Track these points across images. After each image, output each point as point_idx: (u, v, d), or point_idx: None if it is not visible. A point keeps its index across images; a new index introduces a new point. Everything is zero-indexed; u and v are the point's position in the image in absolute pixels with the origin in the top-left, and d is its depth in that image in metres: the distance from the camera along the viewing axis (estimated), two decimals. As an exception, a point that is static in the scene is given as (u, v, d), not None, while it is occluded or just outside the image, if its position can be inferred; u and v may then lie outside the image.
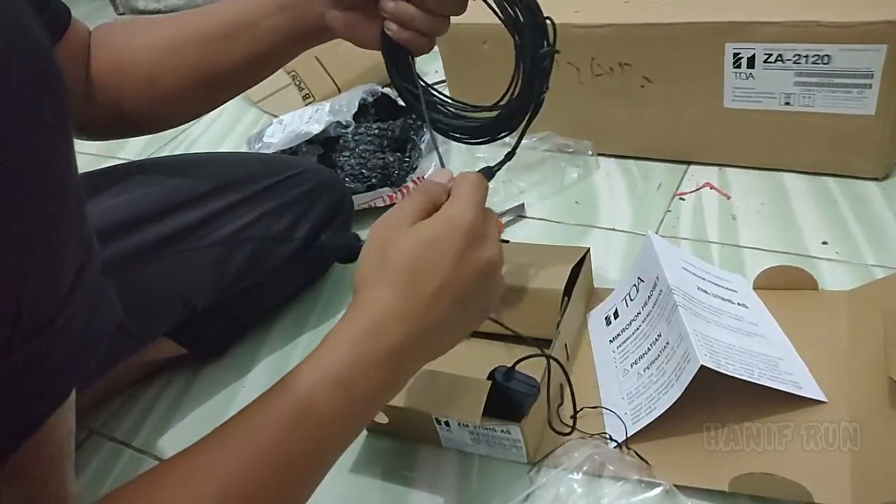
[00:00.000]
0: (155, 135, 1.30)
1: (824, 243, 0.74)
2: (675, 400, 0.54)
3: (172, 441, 0.70)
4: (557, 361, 0.59)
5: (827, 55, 0.73)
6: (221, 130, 1.27)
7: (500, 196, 0.91)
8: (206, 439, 0.40)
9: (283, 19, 0.59)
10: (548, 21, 0.51)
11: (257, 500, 0.39)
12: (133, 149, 1.29)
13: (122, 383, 0.75)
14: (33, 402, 0.35)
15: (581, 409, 0.60)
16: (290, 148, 0.93)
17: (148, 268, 0.64)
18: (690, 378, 0.52)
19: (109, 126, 0.66)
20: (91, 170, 0.74)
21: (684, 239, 0.79)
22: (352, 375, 0.42)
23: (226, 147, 1.21)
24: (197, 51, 0.61)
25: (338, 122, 0.94)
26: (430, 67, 1.16)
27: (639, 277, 0.65)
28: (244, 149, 1.04)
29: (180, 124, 0.71)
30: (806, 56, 0.74)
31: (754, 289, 0.66)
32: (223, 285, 0.70)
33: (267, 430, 0.40)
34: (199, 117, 0.73)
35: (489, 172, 0.55)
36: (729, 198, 0.83)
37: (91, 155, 1.29)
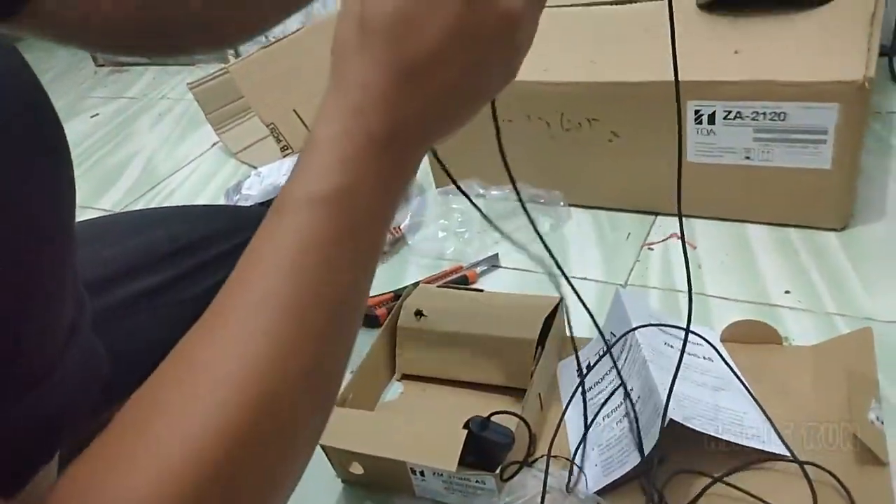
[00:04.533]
0: (132, 185, 1.33)
1: (787, 292, 0.76)
2: (646, 454, 0.55)
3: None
4: (526, 422, 0.60)
5: (783, 112, 0.77)
6: (199, 182, 1.29)
7: (474, 246, 0.92)
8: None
9: None
10: None
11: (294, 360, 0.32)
12: (111, 198, 1.30)
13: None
14: (21, 461, 0.34)
15: (542, 456, 0.60)
16: (269, 200, 0.94)
17: (131, 322, 0.63)
18: (659, 432, 0.53)
19: (149, 46, 0.61)
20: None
21: (653, 288, 0.81)
22: (344, 185, 0.34)
23: (203, 198, 1.22)
24: None
25: (315, 174, 0.95)
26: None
27: (611, 332, 0.67)
28: (222, 200, 1.06)
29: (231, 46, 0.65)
30: (763, 113, 0.78)
31: (721, 341, 0.68)
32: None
33: (276, 273, 0.33)
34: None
35: None
36: (695, 248, 0.85)
37: (68, 205, 1.29)
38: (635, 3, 0.97)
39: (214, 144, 1.38)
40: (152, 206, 1.25)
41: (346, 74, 0.35)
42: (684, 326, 0.66)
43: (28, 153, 0.30)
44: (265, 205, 0.95)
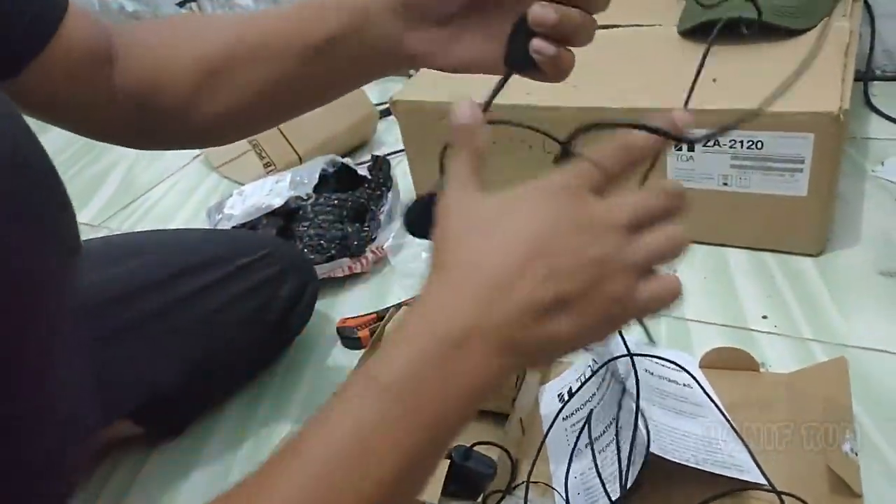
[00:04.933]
0: (110, 199, 1.32)
1: (764, 317, 0.77)
2: (629, 486, 0.55)
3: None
4: (508, 453, 0.60)
5: (760, 141, 0.78)
6: (179, 197, 1.28)
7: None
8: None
9: (354, 45, 0.50)
10: None
11: None
12: (89, 213, 1.29)
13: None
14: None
15: (521, 483, 0.61)
16: (251, 221, 0.94)
17: (115, 351, 0.63)
18: (640, 464, 0.54)
19: (147, 140, 0.61)
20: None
21: (633, 312, 0.82)
22: (404, 376, 0.35)
23: (184, 214, 1.22)
24: (247, 72, 0.53)
25: (298, 195, 0.95)
26: (390, 137, 1.19)
27: (593, 359, 0.67)
28: (202, 217, 1.05)
29: (230, 143, 0.65)
30: (741, 141, 0.79)
31: (700, 367, 0.69)
32: (191, 368, 0.70)
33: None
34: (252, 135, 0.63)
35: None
36: (675, 271, 0.86)
37: (45, 219, 1.27)
38: (618, 27, 0.98)
39: (195, 157, 1.38)
40: (132, 220, 1.24)
41: (430, 286, 0.37)
42: (665, 356, 0.67)
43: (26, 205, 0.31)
44: (246, 226, 0.95)
